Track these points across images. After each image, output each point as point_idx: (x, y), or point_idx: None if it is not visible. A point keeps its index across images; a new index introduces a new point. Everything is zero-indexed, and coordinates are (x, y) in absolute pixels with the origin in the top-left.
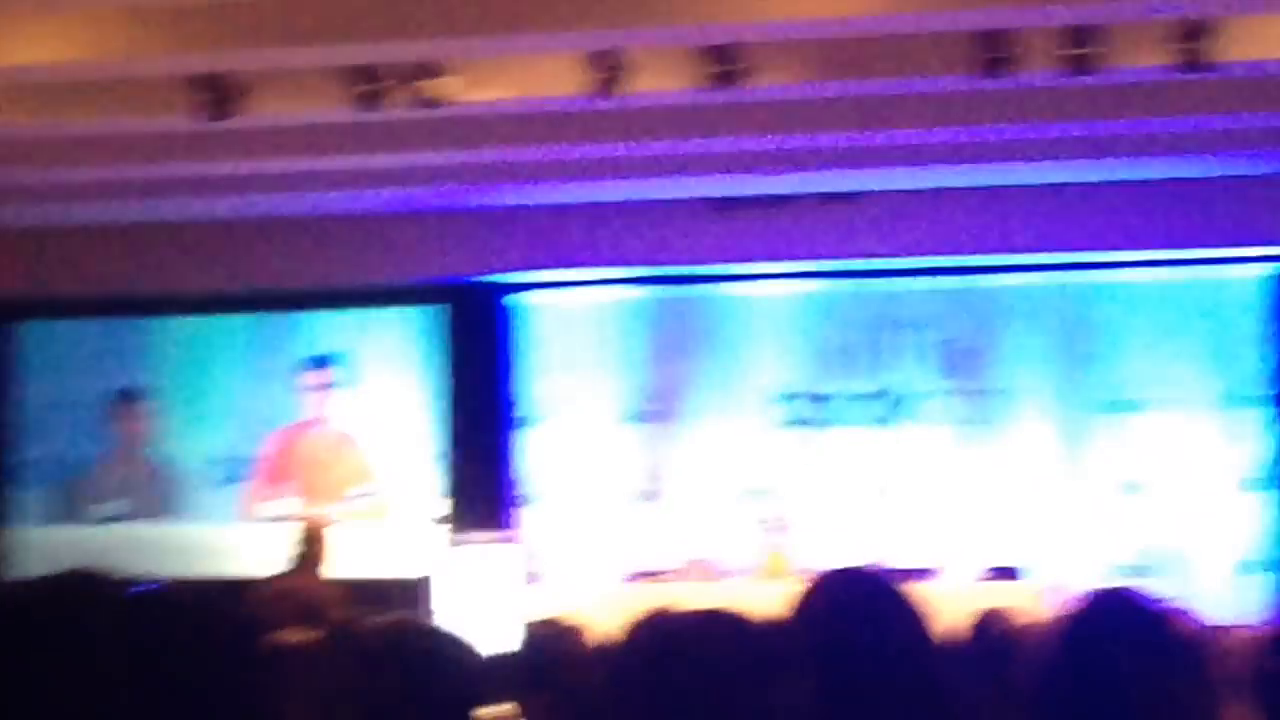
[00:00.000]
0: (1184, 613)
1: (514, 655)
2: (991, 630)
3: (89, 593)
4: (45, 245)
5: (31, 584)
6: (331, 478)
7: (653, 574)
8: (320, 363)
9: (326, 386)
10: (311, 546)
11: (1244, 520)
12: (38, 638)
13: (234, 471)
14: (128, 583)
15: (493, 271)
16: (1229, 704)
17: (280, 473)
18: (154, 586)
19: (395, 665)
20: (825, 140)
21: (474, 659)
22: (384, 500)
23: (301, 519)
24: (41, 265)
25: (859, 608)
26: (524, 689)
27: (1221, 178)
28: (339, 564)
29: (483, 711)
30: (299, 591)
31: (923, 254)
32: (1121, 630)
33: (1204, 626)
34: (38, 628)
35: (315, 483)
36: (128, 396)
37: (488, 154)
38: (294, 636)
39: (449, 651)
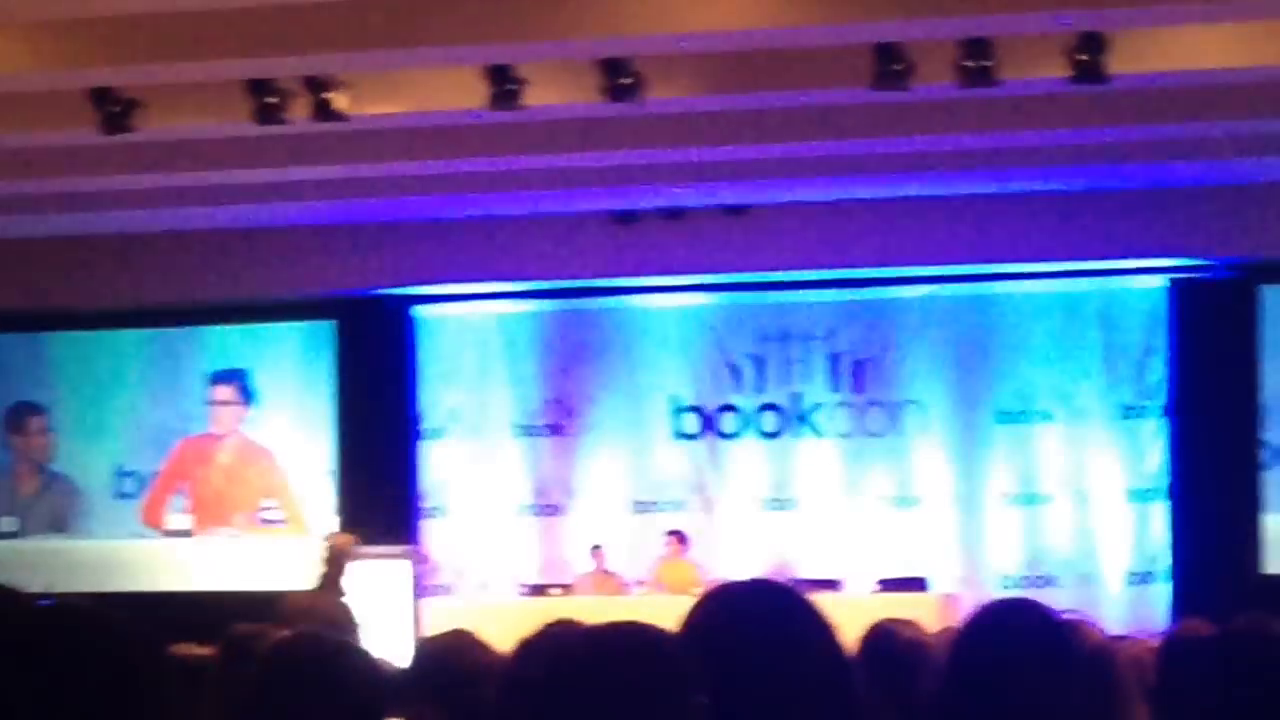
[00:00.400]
0: (1083, 623)
1: (412, 669)
2: (890, 641)
3: None
4: None
5: None
6: (240, 491)
7: (553, 586)
8: (226, 378)
9: (232, 401)
10: (333, 565)
11: (1140, 530)
12: None
13: (133, 486)
14: (27, 598)
15: (391, 285)
16: (1127, 714)
17: (176, 483)
18: (52, 602)
19: (294, 679)
20: (723, 153)
21: (374, 673)
22: (295, 513)
23: (325, 539)
24: None
25: (761, 618)
26: (422, 704)
27: (1118, 190)
28: (243, 577)
29: None
30: (318, 608)
31: (821, 266)
32: (1019, 641)
33: (1103, 637)
34: None
35: (224, 496)
36: (22, 412)
37: (386, 167)
38: (193, 651)
39: (348, 665)
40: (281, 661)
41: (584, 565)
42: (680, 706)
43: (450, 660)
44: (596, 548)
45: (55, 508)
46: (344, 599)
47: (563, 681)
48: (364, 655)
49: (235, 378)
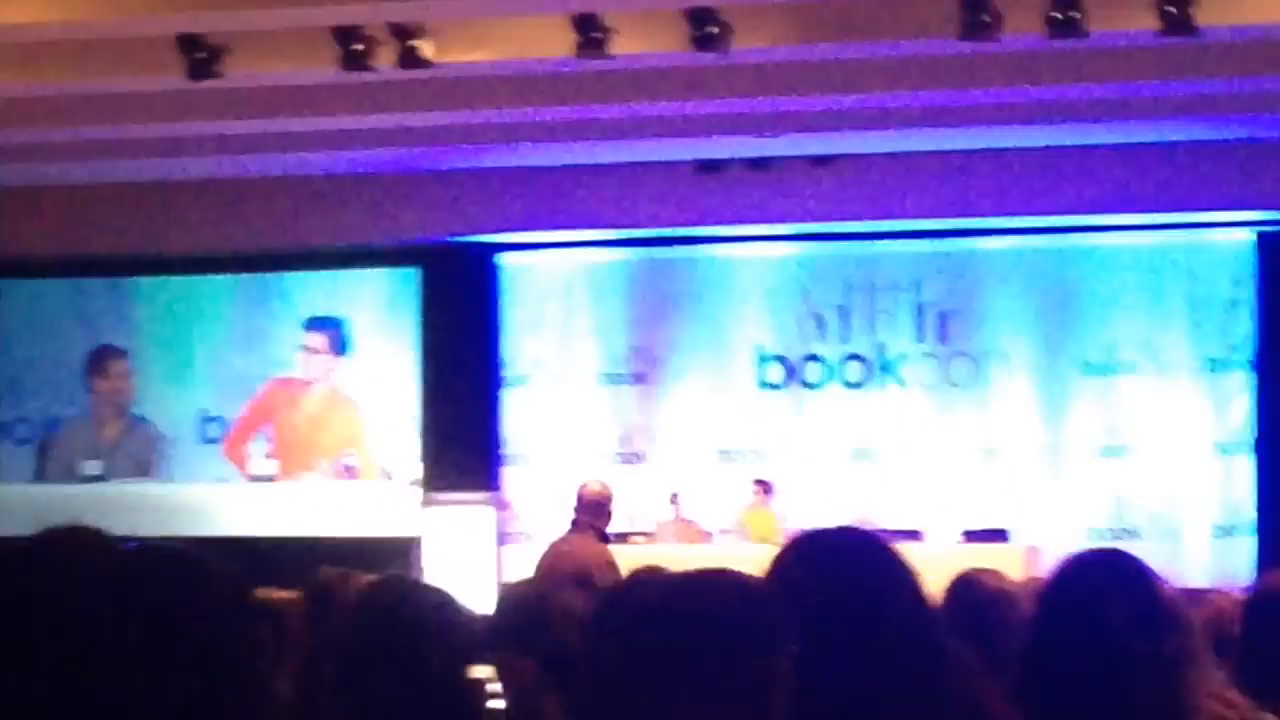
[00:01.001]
0: (1166, 577)
1: (497, 616)
2: (975, 591)
3: (77, 551)
4: (27, 205)
5: (19, 542)
6: (324, 438)
7: (637, 534)
8: (321, 326)
9: (325, 350)
10: (584, 512)
11: (1225, 483)
12: (27, 595)
13: (217, 431)
14: (114, 541)
15: (477, 233)
16: (1211, 667)
17: (261, 422)
18: (141, 545)
19: (380, 624)
20: (810, 103)
21: (461, 618)
22: (372, 462)
23: (581, 483)
24: (23, 225)
25: (847, 566)
26: (507, 650)
27: (1206, 142)
28: (327, 523)
29: (472, 670)
30: (574, 554)
31: (906, 217)
32: (1106, 593)
33: (1186, 590)
34: (27, 585)
35: (309, 442)
36: (105, 356)
37: (472, 115)
38: (277, 595)
39: (436, 611)
40: (369, 607)
41: (664, 513)
42: (771, 654)
43: (535, 607)
44: (674, 495)
45: (139, 451)
46: (599, 543)
47: (652, 628)
48: (452, 602)
49: (331, 326)
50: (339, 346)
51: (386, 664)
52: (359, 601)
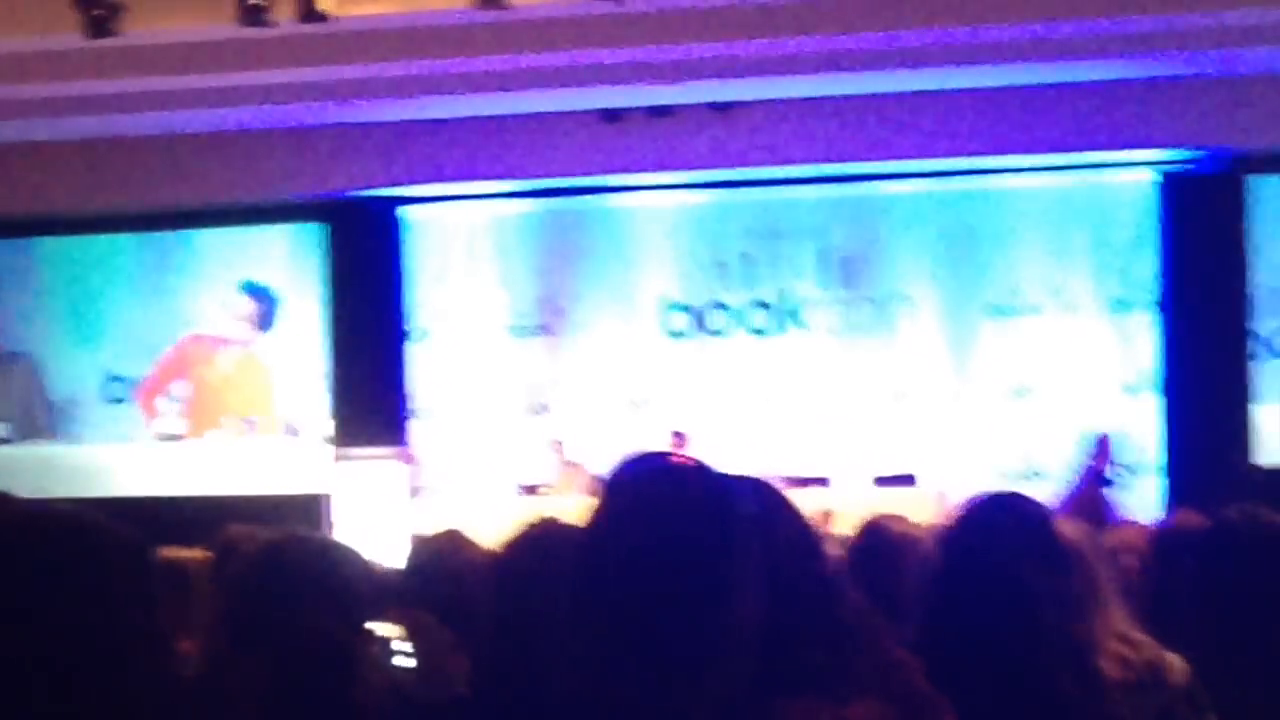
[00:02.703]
0: (1069, 516)
1: (404, 570)
2: (882, 536)
3: None
4: None
5: None
6: (234, 398)
7: (544, 486)
8: (255, 293)
9: (250, 318)
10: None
11: (1132, 424)
12: None
13: (123, 391)
14: (12, 502)
15: (379, 186)
16: (1114, 603)
17: (173, 378)
18: (31, 504)
19: (280, 580)
20: (709, 49)
21: (363, 573)
22: (279, 419)
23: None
24: None
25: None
26: (413, 603)
27: (1108, 82)
28: (233, 482)
29: (373, 626)
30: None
31: (808, 162)
32: (1006, 533)
33: (1090, 530)
34: None
35: (217, 400)
36: None
37: (372, 68)
38: (183, 554)
39: (336, 566)
40: (264, 562)
41: (568, 464)
42: (666, 603)
43: (441, 560)
44: (558, 443)
45: (41, 412)
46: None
47: (549, 580)
48: (352, 556)
49: (264, 297)
50: (266, 320)
51: (281, 619)
52: (254, 557)
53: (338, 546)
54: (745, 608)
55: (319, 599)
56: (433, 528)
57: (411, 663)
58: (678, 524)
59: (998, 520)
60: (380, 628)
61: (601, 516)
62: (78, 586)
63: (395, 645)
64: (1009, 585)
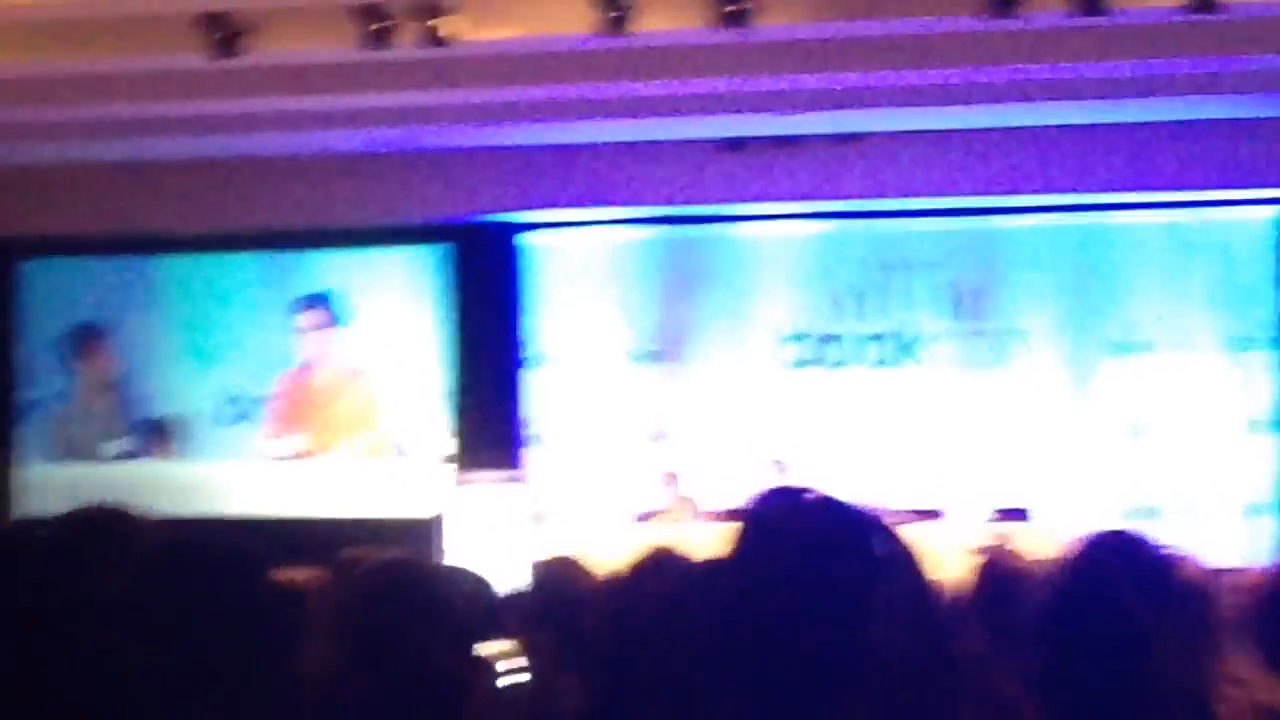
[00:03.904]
0: (1187, 555)
1: (520, 594)
2: (997, 571)
3: (103, 532)
4: (49, 184)
5: (47, 523)
6: (338, 417)
7: (658, 514)
8: (311, 303)
9: (320, 326)
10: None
11: (1251, 463)
12: (55, 577)
13: (237, 410)
14: (140, 522)
15: (501, 211)
16: (1231, 646)
17: (292, 414)
18: (163, 527)
19: (391, 603)
20: (835, 80)
21: (475, 596)
22: (389, 439)
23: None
24: (45, 204)
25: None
26: (529, 626)
27: (1229, 120)
28: (347, 503)
29: (485, 648)
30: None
31: (931, 195)
32: (1124, 572)
33: (1208, 569)
34: (55, 567)
35: (322, 422)
36: (87, 334)
37: (496, 93)
38: (302, 575)
39: (447, 588)
40: (380, 584)
41: (670, 492)
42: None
43: (558, 585)
44: (670, 474)
45: (158, 430)
46: None
47: (668, 609)
48: (465, 577)
49: (324, 302)
50: (334, 321)
51: (393, 642)
52: (366, 580)
53: (449, 570)
54: (882, 645)
55: (430, 622)
56: (548, 553)
57: (523, 682)
58: (820, 559)
59: (1116, 559)
60: (492, 648)
61: (742, 549)
62: (206, 605)
63: (507, 665)
64: (1126, 625)
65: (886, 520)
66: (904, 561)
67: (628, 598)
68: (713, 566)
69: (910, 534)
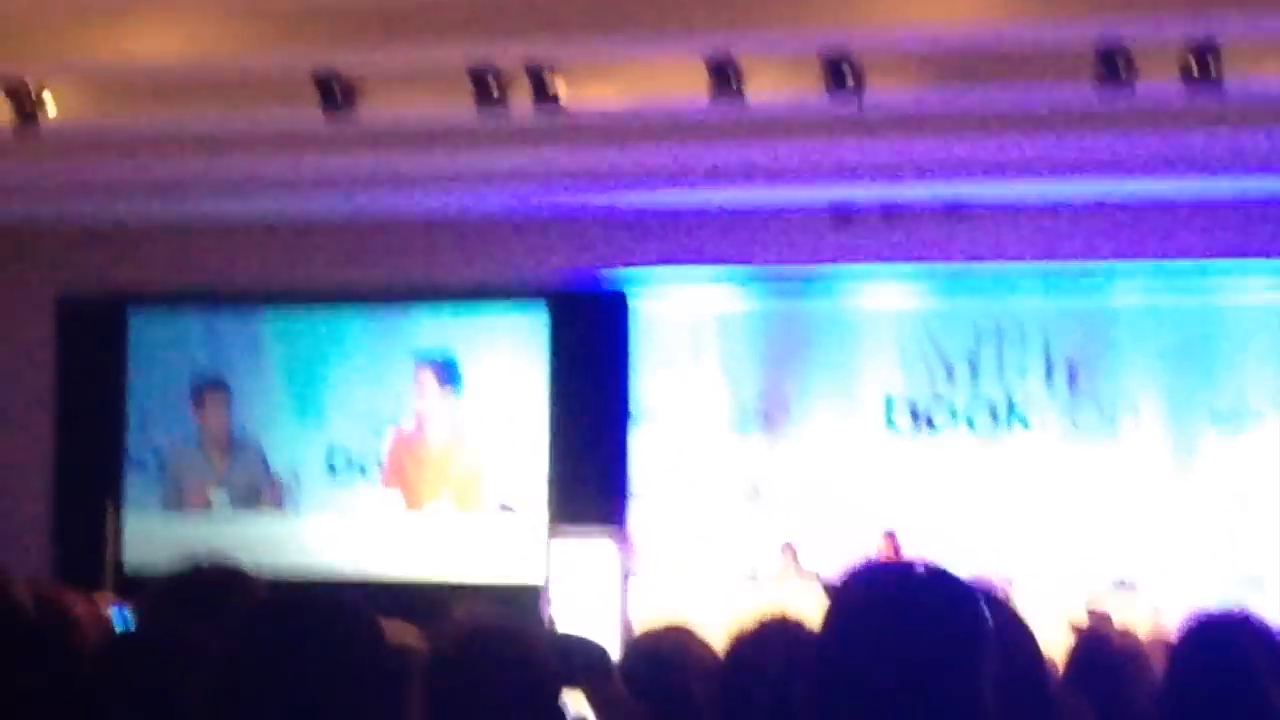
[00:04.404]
0: None
1: (632, 661)
2: (1102, 649)
3: (222, 591)
4: (160, 239)
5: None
6: (448, 476)
7: (760, 577)
8: (432, 363)
9: (439, 387)
10: None
11: None
12: (176, 634)
13: (344, 464)
14: (256, 581)
15: (606, 272)
16: None
17: (403, 472)
18: (282, 587)
19: (478, 668)
20: (941, 150)
21: (579, 664)
22: (496, 498)
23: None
24: (156, 258)
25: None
26: (636, 693)
27: None
28: (449, 561)
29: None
30: None
31: (1036, 263)
32: (1238, 654)
33: None
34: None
35: (431, 481)
36: (201, 389)
37: (604, 156)
38: (409, 636)
39: (541, 654)
40: (465, 651)
41: (777, 561)
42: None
43: (667, 652)
44: (788, 545)
45: (246, 481)
46: None
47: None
48: (570, 644)
49: (439, 364)
50: (448, 380)
51: (476, 710)
52: (457, 644)
53: (552, 636)
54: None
55: (517, 690)
56: (649, 613)
57: None
58: (918, 631)
59: (1231, 640)
60: (574, 703)
61: (839, 623)
62: (324, 667)
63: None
64: (1243, 709)
65: (994, 593)
66: (1013, 634)
67: (740, 664)
68: (826, 641)
69: (1016, 605)
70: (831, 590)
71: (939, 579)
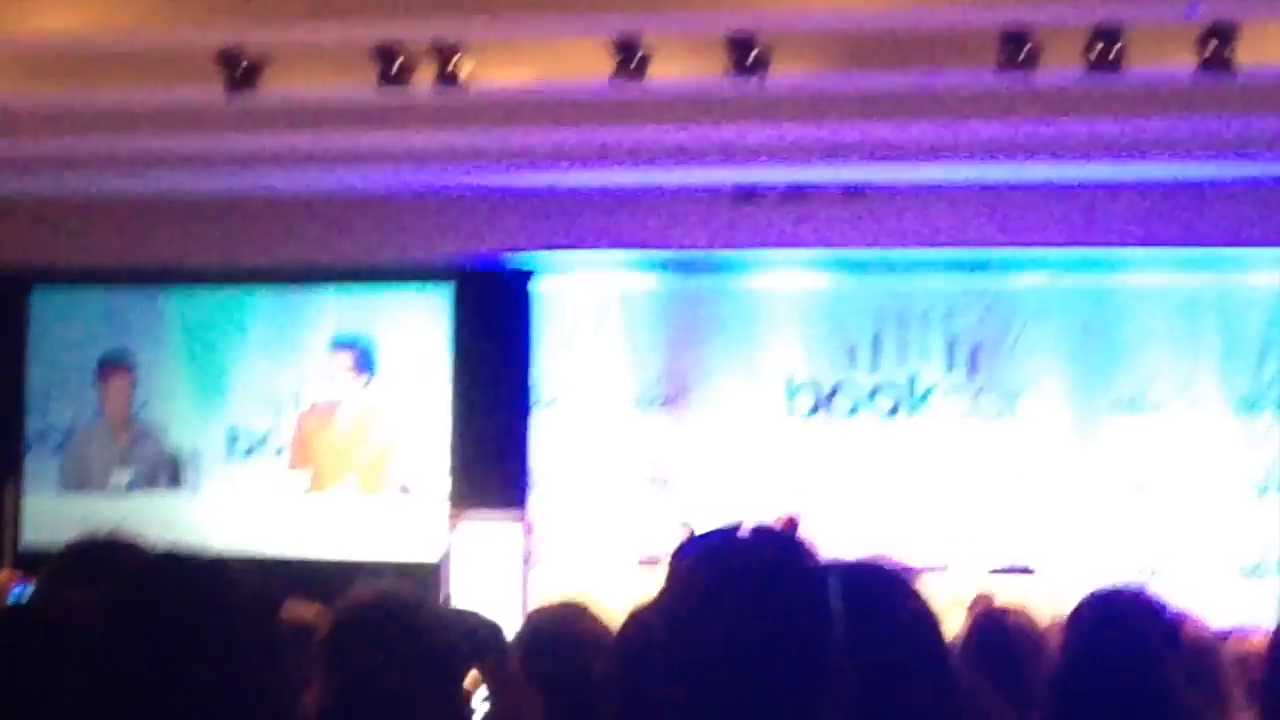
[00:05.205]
0: (1192, 618)
1: (520, 635)
2: (1000, 626)
3: (111, 559)
4: (61, 216)
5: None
6: (351, 456)
7: (659, 560)
8: (347, 345)
9: (350, 370)
10: None
11: (1252, 525)
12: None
13: (244, 447)
14: (143, 549)
15: (509, 253)
16: (1236, 711)
17: (306, 452)
18: (169, 552)
19: (378, 638)
20: (845, 132)
21: (470, 638)
22: (397, 479)
23: None
24: (57, 236)
25: (860, 602)
26: (529, 670)
27: (1242, 181)
28: (350, 542)
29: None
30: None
31: (940, 248)
32: (1136, 631)
33: (1208, 632)
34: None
35: (334, 461)
36: (105, 366)
37: (508, 136)
38: (304, 611)
39: (434, 627)
40: (364, 619)
41: (676, 542)
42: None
43: (561, 630)
44: (686, 525)
45: (145, 461)
46: None
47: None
48: (462, 619)
49: (356, 345)
50: (365, 366)
51: (375, 679)
52: (353, 615)
53: (444, 610)
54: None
55: (413, 660)
56: (549, 596)
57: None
58: (736, 601)
59: (1128, 618)
60: (469, 681)
61: (667, 596)
62: (208, 635)
63: (477, 695)
64: (1134, 683)
65: (878, 568)
66: (894, 607)
67: (629, 644)
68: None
69: (914, 582)
70: (670, 559)
71: (764, 538)
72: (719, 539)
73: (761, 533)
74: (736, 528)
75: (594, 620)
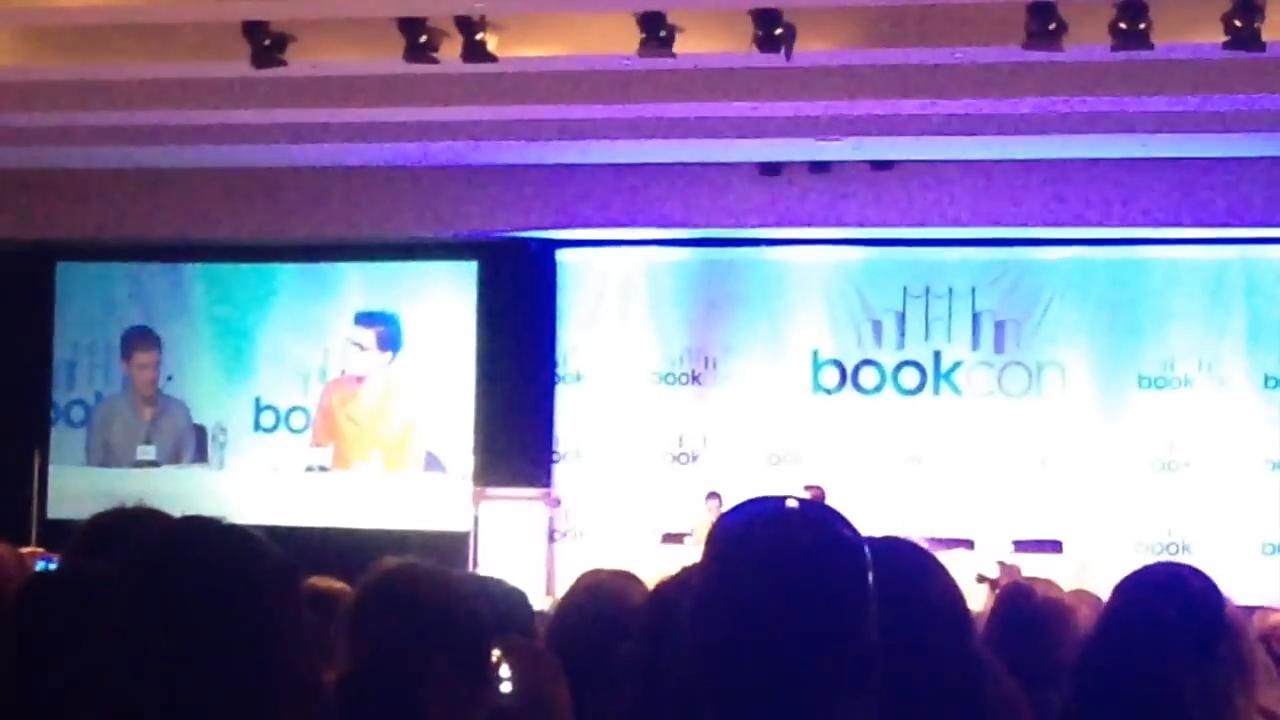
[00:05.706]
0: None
1: (556, 606)
2: (1026, 603)
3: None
4: (87, 189)
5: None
6: (377, 430)
7: (686, 534)
8: (371, 321)
9: (375, 344)
10: None
11: (1277, 502)
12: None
13: (270, 420)
14: (167, 518)
15: (536, 227)
16: (1268, 685)
17: (332, 426)
18: (192, 518)
19: (403, 606)
20: (872, 107)
21: (500, 607)
22: (423, 453)
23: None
24: (83, 209)
25: (884, 578)
26: (559, 641)
27: (1269, 158)
28: (375, 515)
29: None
30: None
31: (966, 224)
32: (1169, 610)
33: (1241, 609)
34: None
35: (360, 435)
36: (131, 341)
37: (535, 110)
38: (328, 584)
39: (460, 596)
40: (389, 588)
41: (702, 512)
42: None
43: (594, 600)
44: (712, 495)
45: (170, 434)
46: None
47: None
48: (488, 587)
49: (380, 321)
50: (390, 342)
51: (399, 647)
52: (378, 584)
53: (471, 578)
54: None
55: (439, 629)
56: (574, 569)
57: (510, 689)
58: (781, 571)
59: (1164, 593)
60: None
61: (711, 563)
62: (232, 603)
63: (501, 673)
64: (1166, 661)
65: (903, 545)
66: (920, 585)
67: (655, 617)
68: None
69: (939, 561)
70: (712, 528)
71: (811, 511)
72: (768, 508)
73: (807, 505)
74: (782, 499)
75: (639, 592)
